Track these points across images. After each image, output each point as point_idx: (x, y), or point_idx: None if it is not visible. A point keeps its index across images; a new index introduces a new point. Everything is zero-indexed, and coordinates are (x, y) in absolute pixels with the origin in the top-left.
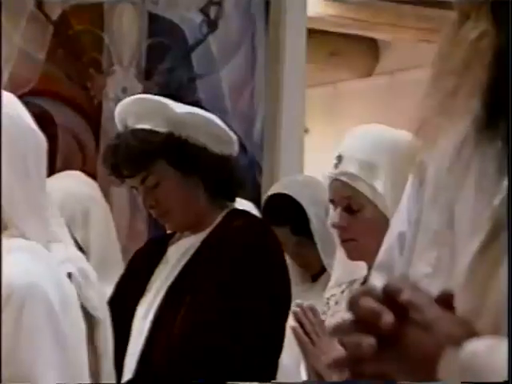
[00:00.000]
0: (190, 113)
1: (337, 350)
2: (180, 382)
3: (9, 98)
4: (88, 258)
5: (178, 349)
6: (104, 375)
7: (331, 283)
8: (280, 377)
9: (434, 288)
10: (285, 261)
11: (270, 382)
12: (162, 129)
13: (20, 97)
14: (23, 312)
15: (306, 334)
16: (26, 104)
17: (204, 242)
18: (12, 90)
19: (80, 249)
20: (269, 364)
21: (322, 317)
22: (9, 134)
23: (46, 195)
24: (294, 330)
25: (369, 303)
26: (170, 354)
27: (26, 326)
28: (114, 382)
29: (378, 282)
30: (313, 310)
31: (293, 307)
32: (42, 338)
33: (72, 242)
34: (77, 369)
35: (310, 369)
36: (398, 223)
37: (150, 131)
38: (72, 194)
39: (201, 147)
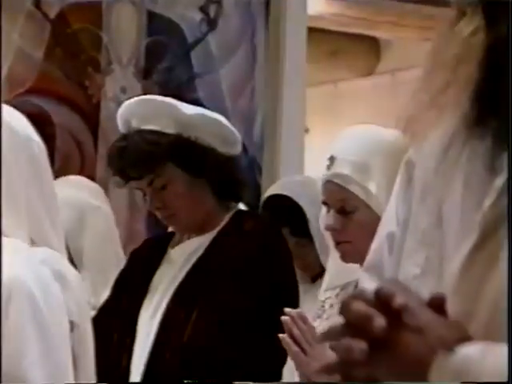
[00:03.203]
0: (199, 114)
1: (329, 357)
2: (194, 380)
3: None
4: (82, 265)
5: (192, 349)
6: (82, 378)
7: (324, 286)
8: None
9: (423, 289)
10: (293, 262)
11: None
12: (170, 130)
13: (17, 96)
14: (9, 309)
15: (297, 342)
16: (24, 103)
17: (213, 243)
18: (9, 89)
19: (71, 260)
20: (279, 364)
21: (317, 320)
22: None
23: (43, 197)
24: (283, 339)
25: (360, 307)
26: (183, 353)
27: (12, 323)
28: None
29: (367, 282)
30: (302, 317)
31: (282, 317)
32: (27, 334)
33: (63, 249)
34: (61, 369)
35: (303, 377)
36: (387, 223)
37: (159, 133)
38: (67, 201)
39: (209, 148)
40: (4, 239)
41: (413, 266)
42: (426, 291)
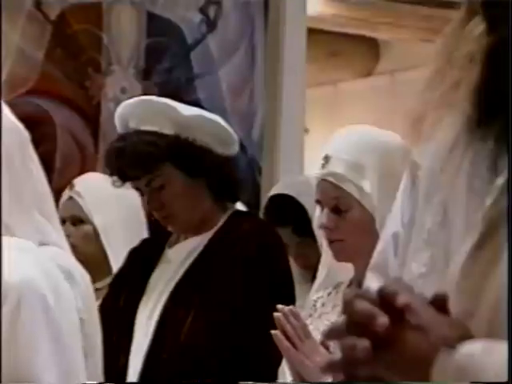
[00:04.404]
0: (197, 115)
1: (321, 354)
2: (191, 380)
3: None
4: None
5: (189, 348)
6: (91, 376)
7: (316, 286)
8: None
9: (428, 288)
10: (289, 261)
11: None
12: (168, 131)
13: (18, 96)
14: (20, 310)
15: (289, 338)
16: (25, 104)
17: (210, 244)
18: (10, 90)
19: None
20: (276, 363)
21: (309, 319)
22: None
23: (41, 193)
24: (275, 336)
25: (364, 306)
26: (181, 353)
27: (24, 324)
28: (102, 380)
29: (373, 283)
30: (294, 313)
31: (274, 313)
32: (39, 335)
33: (65, 243)
34: (73, 367)
35: (295, 374)
36: (392, 224)
37: (157, 133)
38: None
39: (206, 149)
40: (12, 239)
41: (418, 264)
42: (431, 290)
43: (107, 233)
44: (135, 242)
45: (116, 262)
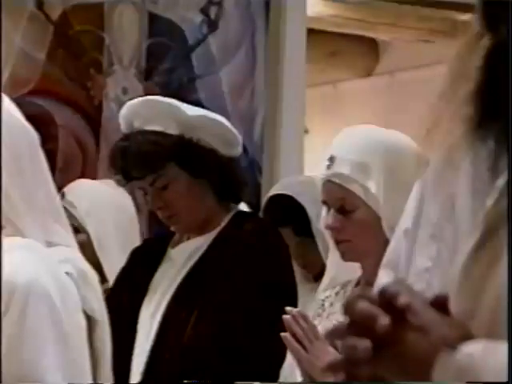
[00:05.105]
0: (201, 115)
1: (330, 354)
2: (194, 380)
3: None
4: None
5: (192, 349)
6: (102, 376)
7: (324, 285)
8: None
9: (435, 281)
10: (292, 262)
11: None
12: (172, 131)
13: (20, 97)
14: (26, 310)
15: (298, 340)
16: (27, 104)
17: (213, 244)
18: (12, 90)
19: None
20: (278, 364)
21: (317, 319)
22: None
23: (49, 194)
24: (285, 338)
25: (365, 306)
26: (183, 353)
27: (30, 325)
28: (112, 382)
29: (385, 280)
30: (303, 316)
31: (283, 315)
32: (45, 336)
33: (75, 243)
34: (79, 368)
35: (305, 375)
36: (404, 221)
37: (161, 133)
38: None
39: (210, 150)
40: (18, 239)
41: (425, 259)
42: (436, 284)
43: (101, 240)
44: (129, 247)
45: (111, 268)
